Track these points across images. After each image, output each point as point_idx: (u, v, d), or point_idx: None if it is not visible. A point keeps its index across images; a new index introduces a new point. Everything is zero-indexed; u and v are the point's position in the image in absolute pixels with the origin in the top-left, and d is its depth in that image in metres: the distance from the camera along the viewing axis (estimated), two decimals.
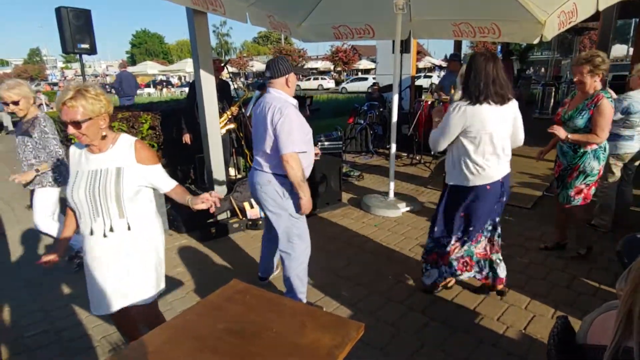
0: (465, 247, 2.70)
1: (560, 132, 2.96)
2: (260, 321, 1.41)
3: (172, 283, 3.19)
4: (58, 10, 4.11)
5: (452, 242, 2.69)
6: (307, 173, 2.56)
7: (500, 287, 2.78)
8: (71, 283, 3.26)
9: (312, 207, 2.60)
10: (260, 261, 3.15)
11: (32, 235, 4.26)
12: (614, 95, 3.22)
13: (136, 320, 2.06)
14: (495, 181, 2.49)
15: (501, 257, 2.75)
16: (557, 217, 3.51)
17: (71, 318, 2.80)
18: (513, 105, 2.47)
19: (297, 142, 2.39)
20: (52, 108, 12.53)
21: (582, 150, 3.00)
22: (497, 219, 2.66)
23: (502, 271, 2.73)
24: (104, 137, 1.78)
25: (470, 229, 2.62)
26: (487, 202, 2.53)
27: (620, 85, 6.65)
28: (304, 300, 2.73)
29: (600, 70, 2.83)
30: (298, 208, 2.56)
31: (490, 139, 2.40)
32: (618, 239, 3.56)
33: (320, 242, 3.81)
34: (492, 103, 2.35)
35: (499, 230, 2.70)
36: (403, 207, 4.55)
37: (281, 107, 2.39)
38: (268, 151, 2.48)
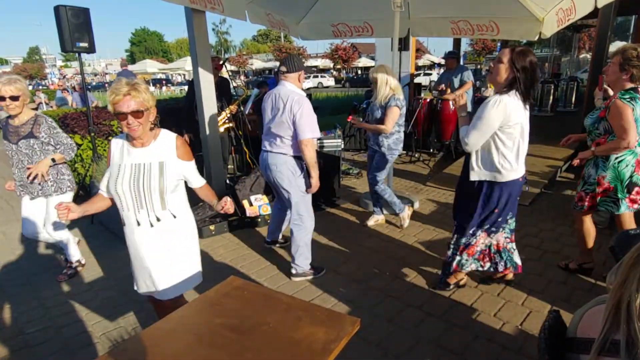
0: (491, 238, 2.73)
1: (585, 153, 2.80)
2: (257, 316, 1.42)
3: None
4: (57, 9, 4.11)
5: (479, 233, 2.71)
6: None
7: (510, 275, 2.92)
8: (70, 281, 3.28)
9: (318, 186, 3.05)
10: (269, 227, 3.67)
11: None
12: None
13: (169, 305, 2.10)
14: (524, 173, 2.57)
15: (515, 247, 2.82)
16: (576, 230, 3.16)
17: (71, 315, 2.82)
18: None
19: (314, 129, 2.84)
20: (51, 107, 12.51)
21: (594, 160, 2.80)
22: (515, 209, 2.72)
23: (518, 258, 2.81)
24: (151, 129, 1.89)
25: (499, 219, 2.65)
26: (517, 194, 2.60)
27: None
28: (308, 266, 3.17)
29: (632, 66, 2.49)
30: (308, 186, 3.04)
31: (522, 133, 2.42)
32: (611, 233, 3.61)
33: (319, 239, 3.83)
34: (526, 99, 2.38)
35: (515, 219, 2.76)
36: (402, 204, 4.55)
37: (299, 99, 2.80)
38: (286, 136, 2.88)
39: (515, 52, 2.31)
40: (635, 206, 2.73)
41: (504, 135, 2.40)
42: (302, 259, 3.13)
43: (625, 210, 2.75)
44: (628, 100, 2.51)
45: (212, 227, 4.01)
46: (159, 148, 1.91)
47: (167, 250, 1.93)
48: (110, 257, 3.64)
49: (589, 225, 2.97)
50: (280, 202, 3.42)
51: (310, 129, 2.82)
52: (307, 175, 3.02)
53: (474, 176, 2.57)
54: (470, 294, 2.89)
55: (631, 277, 0.88)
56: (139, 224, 1.87)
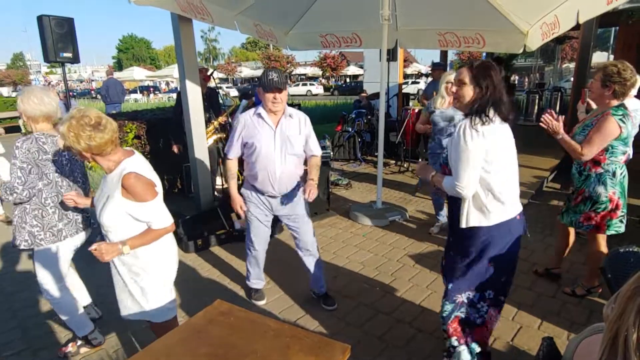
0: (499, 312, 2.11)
1: (552, 123, 2.55)
2: (244, 344, 1.37)
3: None
4: (40, 19, 4.02)
5: (486, 309, 2.06)
6: None
7: None
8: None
9: None
10: (312, 278, 3.00)
11: (11, 249, 4.14)
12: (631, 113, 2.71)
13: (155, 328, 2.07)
14: (521, 210, 2.01)
15: None
16: (558, 240, 3.20)
17: (50, 337, 2.72)
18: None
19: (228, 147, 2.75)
20: None
21: (585, 173, 2.72)
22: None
23: None
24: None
25: (503, 279, 2.03)
26: (518, 238, 2.00)
27: None
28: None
29: (613, 82, 2.49)
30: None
31: (510, 159, 1.95)
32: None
33: None
34: (504, 120, 1.91)
35: None
36: (391, 216, 4.55)
37: (305, 115, 2.72)
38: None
39: (475, 69, 1.92)
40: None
41: (487, 166, 1.88)
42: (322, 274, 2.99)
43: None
44: (620, 117, 2.49)
45: (199, 241, 3.93)
46: (112, 180, 1.77)
47: (122, 283, 1.90)
48: (94, 273, 3.53)
49: (603, 247, 2.78)
50: (301, 245, 2.93)
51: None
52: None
53: (464, 221, 1.99)
54: None
55: (628, 309, 0.86)
56: None
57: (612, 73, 2.50)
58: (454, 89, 1.99)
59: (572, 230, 3.05)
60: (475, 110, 1.87)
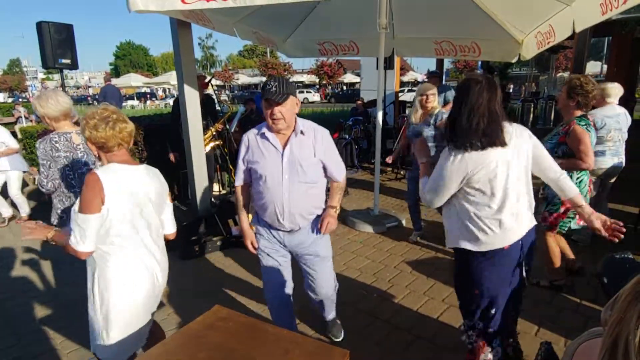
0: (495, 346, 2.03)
1: None
2: (243, 350, 1.37)
3: None
4: (39, 25, 4.03)
5: (474, 338, 2.05)
6: None
7: None
8: (47, 304, 3.14)
9: None
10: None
11: (6, 255, 4.11)
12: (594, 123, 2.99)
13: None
14: (515, 241, 1.85)
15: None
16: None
17: (45, 343, 2.69)
18: (524, 137, 1.85)
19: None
20: (31, 121, 12.21)
21: None
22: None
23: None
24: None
25: (492, 311, 1.95)
26: (503, 269, 1.88)
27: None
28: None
29: (577, 94, 2.70)
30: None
31: (503, 185, 1.78)
32: (597, 253, 3.66)
33: None
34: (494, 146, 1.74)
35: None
36: (388, 223, 4.56)
37: (322, 130, 2.22)
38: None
39: (458, 88, 1.84)
40: (581, 223, 2.88)
41: (471, 190, 1.81)
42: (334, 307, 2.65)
43: (575, 227, 2.94)
44: (584, 126, 2.71)
45: (196, 248, 3.92)
46: None
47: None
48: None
49: (552, 245, 3.03)
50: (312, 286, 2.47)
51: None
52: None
53: (450, 241, 1.98)
54: (459, 315, 2.86)
55: (629, 314, 0.87)
56: None
57: (576, 86, 2.71)
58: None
59: (559, 238, 3.14)
60: (449, 136, 1.80)
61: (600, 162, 3.65)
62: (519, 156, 1.80)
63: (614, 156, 3.73)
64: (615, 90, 3.76)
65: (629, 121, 3.76)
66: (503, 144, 1.73)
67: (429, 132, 3.69)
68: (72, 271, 3.69)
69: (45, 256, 4.04)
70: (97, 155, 1.77)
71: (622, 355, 0.83)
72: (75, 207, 1.62)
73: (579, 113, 2.78)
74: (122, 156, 1.75)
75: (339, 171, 2.25)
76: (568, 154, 2.78)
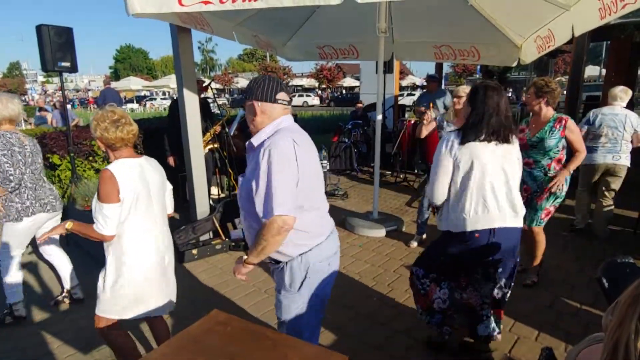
0: (443, 286, 2.34)
1: (562, 175, 3.00)
2: (242, 354, 1.35)
3: None
4: (39, 29, 4.02)
5: (428, 282, 2.36)
6: None
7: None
8: (44, 309, 3.12)
9: None
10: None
11: None
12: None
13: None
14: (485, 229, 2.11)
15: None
16: (527, 242, 3.26)
17: (43, 347, 2.66)
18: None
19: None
20: (30, 124, 12.20)
21: (552, 173, 3.04)
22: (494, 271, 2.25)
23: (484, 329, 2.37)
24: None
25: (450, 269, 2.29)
26: (475, 251, 2.16)
27: (594, 105, 6.91)
28: None
29: (543, 93, 2.96)
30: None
31: (490, 180, 2.07)
32: (597, 257, 3.65)
33: None
34: (490, 141, 2.07)
35: (499, 290, 2.32)
36: (387, 227, 4.55)
37: (270, 145, 1.69)
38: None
39: (471, 91, 2.17)
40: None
41: (459, 177, 2.12)
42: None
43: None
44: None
45: (194, 251, 3.90)
46: None
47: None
48: (86, 281, 3.49)
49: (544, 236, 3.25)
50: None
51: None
52: None
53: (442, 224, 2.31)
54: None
55: (629, 317, 0.86)
56: None
57: (542, 85, 2.96)
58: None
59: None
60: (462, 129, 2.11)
61: (590, 157, 3.90)
62: (509, 159, 2.14)
63: (608, 153, 3.95)
64: (616, 92, 4.00)
65: (632, 122, 3.90)
66: (497, 140, 2.07)
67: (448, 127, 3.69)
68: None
69: (42, 260, 4.02)
70: (105, 152, 2.00)
71: (623, 359, 0.82)
72: (95, 199, 1.88)
73: (551, 110, 3.03)
74: (127, 152, 1.99)
75: (262, 205, 1.56)
76: (564, 146, 3.05)
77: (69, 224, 1.95)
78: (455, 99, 3.71)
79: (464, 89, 3.71)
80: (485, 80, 2.25)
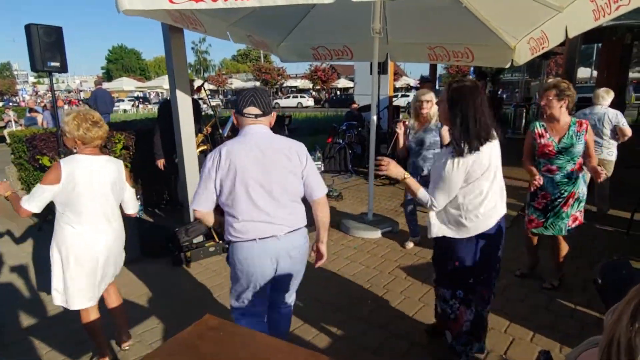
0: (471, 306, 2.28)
1: (598, 171, 2.82)
2: None
3: (141, 312, 3.04)
4: (28, 28, 3.96)
5: (457, 304, 2.27)
6: None
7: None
8: (34, 312, 3.05)
9: None
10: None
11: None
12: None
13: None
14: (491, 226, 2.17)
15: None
16: (528, 242, 3.36)
17: (31, 353, 2.60)
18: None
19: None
20: (20, 125, 12.03)
21: (575, 176, 2.94)
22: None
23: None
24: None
25: (470, 281, 2.23)
26: (495, 245, 2.26)
27: (585, 106, 6.96)
28: None
29: (566, 95, 2.81)
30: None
31: (494, 176, 2.10)
32: (593, 258, 3.66)
33: None
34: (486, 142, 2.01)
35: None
36: (382, 228, 4.53)
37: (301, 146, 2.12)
38: (298, 198, 2.09)
39: (452, 89, 2.03)
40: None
41: (470, 185, 2.07)
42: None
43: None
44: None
45: (188, 254, 3.85)
46: None
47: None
48: None
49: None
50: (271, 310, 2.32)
51: (322, 180, 2.15)
52: None
53: (436, 230, 2.29)
54: None
55: (624, 313, 0.85)
56: None
57: (565, 88, 2.84)
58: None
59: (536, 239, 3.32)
60: (455, 142, 2.00)
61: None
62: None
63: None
64: (599, 92, 4.39)
65: (610, 118, 4.28)
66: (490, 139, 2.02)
67: (432, 138, 3.70)
68: None
69: (30, 264, 3.95)
70: (72, 146, 2.20)
71: (615, 352, 0.81)
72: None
73: (567, 114, 2.94)
74: (90, 149, 2.21)
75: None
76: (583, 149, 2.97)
77: (8, 192, 2.17)
78: (421, 103, 3.72)
79: (430, 95, 3.74)
80: (457, 80, 2.11)
